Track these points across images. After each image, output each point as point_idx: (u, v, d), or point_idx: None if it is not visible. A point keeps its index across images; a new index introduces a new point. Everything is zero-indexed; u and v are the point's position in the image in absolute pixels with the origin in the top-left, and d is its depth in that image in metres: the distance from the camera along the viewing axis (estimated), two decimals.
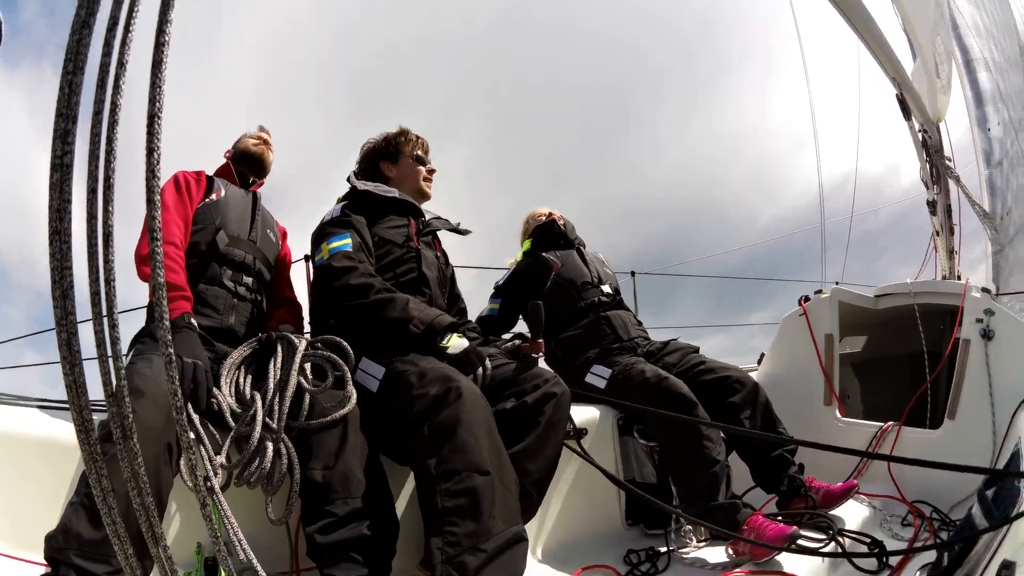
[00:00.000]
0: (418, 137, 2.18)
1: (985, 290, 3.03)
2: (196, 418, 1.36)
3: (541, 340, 1.91)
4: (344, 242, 1.83)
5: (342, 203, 2.01)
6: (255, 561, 0.90)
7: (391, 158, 2.16)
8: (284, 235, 2.18)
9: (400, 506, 1.67)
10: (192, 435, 1.31)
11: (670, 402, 2.10)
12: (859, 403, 3.80)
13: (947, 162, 4.47)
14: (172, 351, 0.62)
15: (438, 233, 2.17)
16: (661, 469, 2.26)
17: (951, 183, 4.44)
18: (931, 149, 4.39)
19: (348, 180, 2.13)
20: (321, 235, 1.91)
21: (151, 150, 0.56)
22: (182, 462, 1.28)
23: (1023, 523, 1.10)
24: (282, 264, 2.12)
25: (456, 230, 2.18)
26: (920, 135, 4.32)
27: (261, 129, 2.13)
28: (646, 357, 2.46)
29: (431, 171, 2.18)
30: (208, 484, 1.13)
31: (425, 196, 2.16)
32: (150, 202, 0.57)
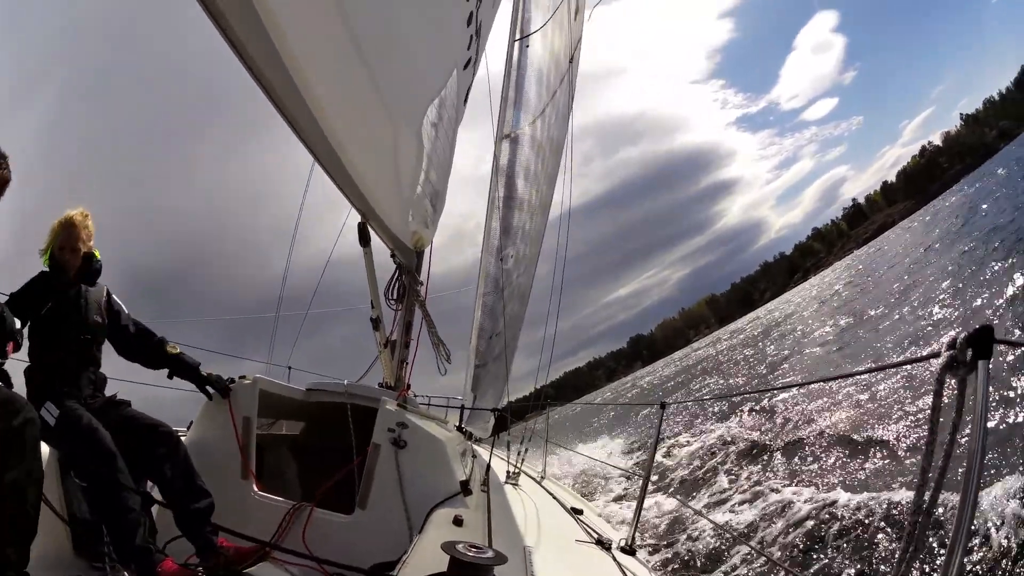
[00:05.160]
0: None
1: (401, 406, 3.43)
2: None
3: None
4: None
5: None
6: None
7: None
8: None
9: None
10: None
11: (96, 451, 2.36)
12: (296, 482, 4.07)
13: (418, 286, 5.11)
14: None
15: None
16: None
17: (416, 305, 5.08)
18: (403, 271, 4.97)
19: None
20: None
21: None
22: None
23: None
24: None
25: None
26: (393, 260, 4.85)
27: None
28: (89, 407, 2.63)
29: None
30: None
31: None
32: None
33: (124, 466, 2.41)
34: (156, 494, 2.69)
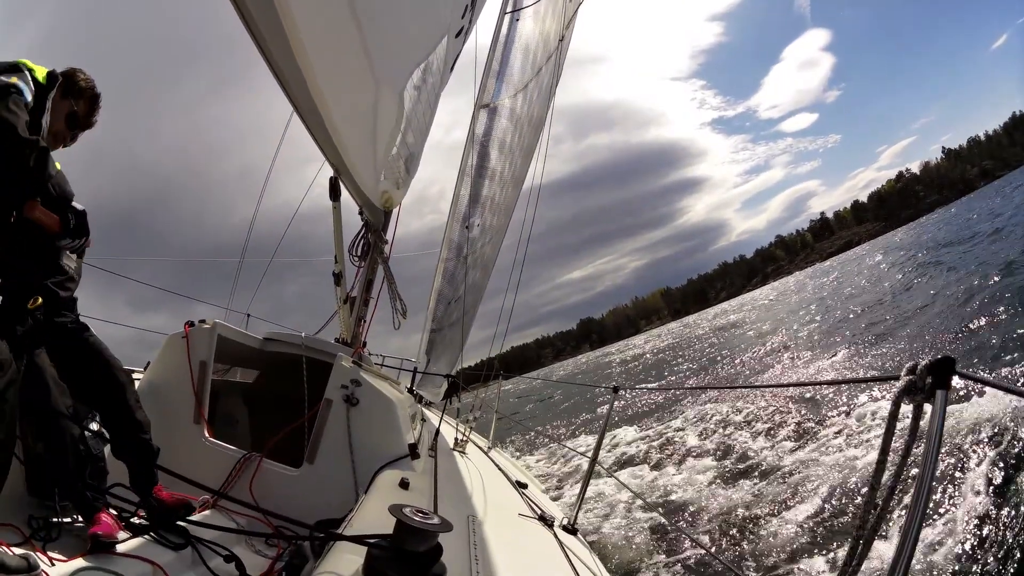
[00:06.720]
0: None
1: (356, 363, 3.39)
2: None
3: None
4: None
5: None
6: None
7: None
8: None
9: None
10: None
11: (35, 383, 2.23)
12: (247, 430, 4.04)
13: (383, 244, 5.12)
14: None
15: None
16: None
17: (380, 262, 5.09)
18: (370, 228, 4.96)
19: None
20: None
21: None
22: None
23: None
24: None
25: None
26: (360, 217, 4.83)
27: None
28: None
29: None
30: None
31: None
32: None
33: (62, 399, 2.30)
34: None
